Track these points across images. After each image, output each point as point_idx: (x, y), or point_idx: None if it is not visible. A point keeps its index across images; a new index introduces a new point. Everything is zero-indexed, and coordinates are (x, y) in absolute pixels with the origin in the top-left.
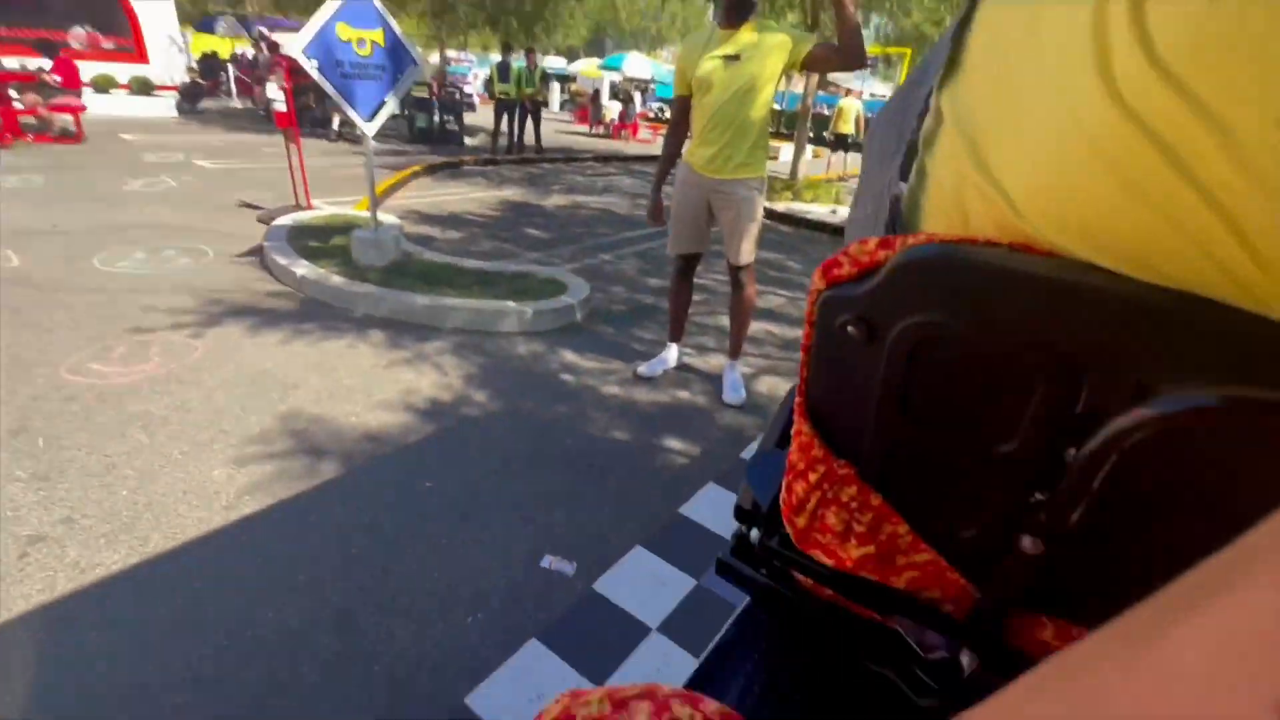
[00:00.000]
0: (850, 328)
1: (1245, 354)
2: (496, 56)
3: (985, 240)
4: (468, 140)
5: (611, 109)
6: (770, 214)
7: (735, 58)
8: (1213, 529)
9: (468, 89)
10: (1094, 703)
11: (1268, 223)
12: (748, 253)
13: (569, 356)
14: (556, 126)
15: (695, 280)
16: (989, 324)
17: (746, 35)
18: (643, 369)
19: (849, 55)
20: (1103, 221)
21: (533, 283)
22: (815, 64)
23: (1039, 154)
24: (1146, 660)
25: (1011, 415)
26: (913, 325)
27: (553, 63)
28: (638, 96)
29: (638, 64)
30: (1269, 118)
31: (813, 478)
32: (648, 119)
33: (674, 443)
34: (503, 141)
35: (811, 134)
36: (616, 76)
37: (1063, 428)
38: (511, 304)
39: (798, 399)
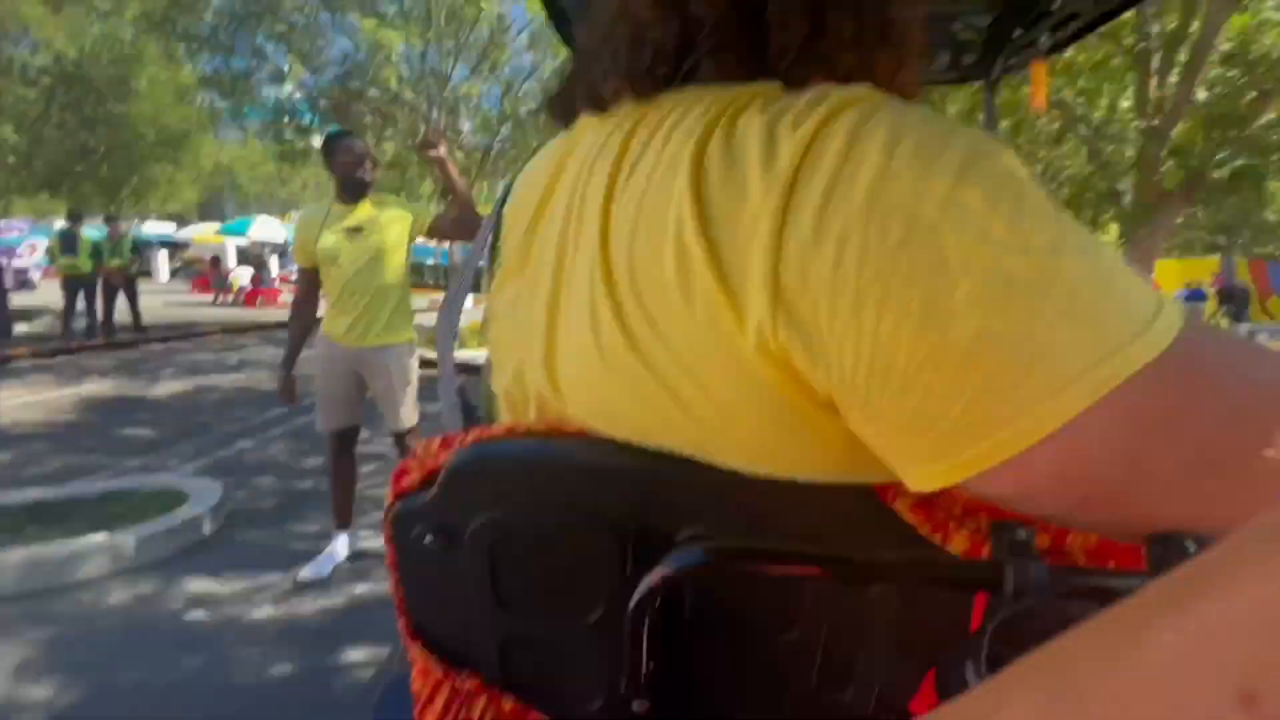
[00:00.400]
0: (427, 538)
1: (716, 501)
2: (62, 222)
3: (526, 429)
4: (19, 327)
5: (242, 275)
6: None
7: (358, 230)
8: (755, 661)
9: (18, 263)
10: (1072, 697)
11: (681, 384)
12: (408, 417)
13: (198, 586)
14: (168, 299)
15: (361, 449)
16: (542, 508)
17: (365, 210)
18: (306, 572)
19: (465, 228)
20: (614, 403)
21: (134, 501)
22: (440, 234)
23: (569, 350)
24: (1124, 657)
25: (590, 587)
26: (483, 525)
27: (158, 228)
28: (274, 260)
29: (268, 227)
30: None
31: (439, 702)
32: (288, 282)
33: (358, 652)
34: (82, 324)
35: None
36: (243, 241)
37: (624, 590)
38: (98, 538)
39: (400, 620)
